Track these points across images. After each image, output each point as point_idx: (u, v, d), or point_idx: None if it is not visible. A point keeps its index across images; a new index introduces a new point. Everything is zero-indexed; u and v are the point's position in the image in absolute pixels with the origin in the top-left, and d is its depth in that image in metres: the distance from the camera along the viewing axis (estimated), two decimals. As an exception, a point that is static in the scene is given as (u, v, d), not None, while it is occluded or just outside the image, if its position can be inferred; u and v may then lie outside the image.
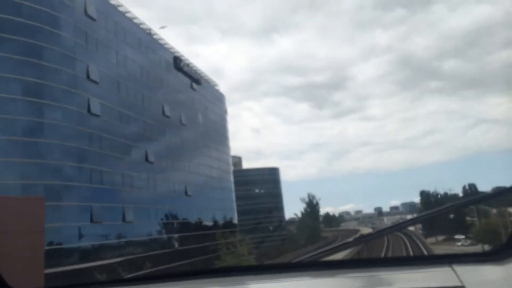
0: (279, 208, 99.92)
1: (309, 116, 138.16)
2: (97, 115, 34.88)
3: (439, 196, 62.89)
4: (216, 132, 60.49)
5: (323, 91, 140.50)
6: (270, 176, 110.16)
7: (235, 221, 61.40)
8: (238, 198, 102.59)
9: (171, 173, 45.98)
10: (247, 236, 69.90)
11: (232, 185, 65.28)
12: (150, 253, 36.50)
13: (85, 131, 33.63)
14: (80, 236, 32.01)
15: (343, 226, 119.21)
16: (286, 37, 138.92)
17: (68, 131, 32.08)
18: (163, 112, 46.49)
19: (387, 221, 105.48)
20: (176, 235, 43.38)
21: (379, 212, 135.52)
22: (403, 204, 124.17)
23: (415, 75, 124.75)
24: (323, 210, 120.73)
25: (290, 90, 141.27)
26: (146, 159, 41.45)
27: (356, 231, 73.20)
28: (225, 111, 66.29)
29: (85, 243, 32.48)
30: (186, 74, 52.42)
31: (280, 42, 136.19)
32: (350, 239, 2.32)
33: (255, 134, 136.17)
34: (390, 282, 1.51)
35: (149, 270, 30.73)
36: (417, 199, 77.27)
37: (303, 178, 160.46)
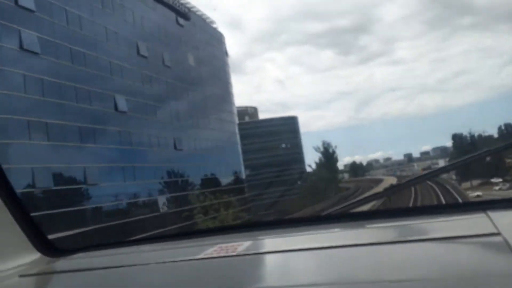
0: (299, 160, 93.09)
1: (334, 63, 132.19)
2: (36, 53, 27.57)
3: (472, 139, 57.61)
4: (213, 76, 52.19)
5: (348, 36, 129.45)
6: (288, 126, 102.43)
7: (242, 176, 54.35)
8: (253, 151, 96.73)
9: (153, 124, 38.80)
10: (264, 191, 65.04)
11: (237, 137, 58.27)
12: (112, 222, 30.01)
13: (34, 76, 26.92)
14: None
15: (370, 174, 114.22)
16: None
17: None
18: (138, 52, 38.76)
19: (417, 167, 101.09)
20: (152, 198, 36.82)
21: (409, 158, 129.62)
22: (434, 149, 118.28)
23: (446, 11, 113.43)
24: (349, 159, 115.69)
25: (313, 37, 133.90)
26: (116, 108, 34.41)
27: (380, 180, 68.45)
28: (225, 53, 57.49)
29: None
30: (168, 6, 43.87)
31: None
32: (380, 190, 2.18)
33: (279, 86, 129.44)
34: (421, 231, 1.47)
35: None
36: (449, 143, 72.61)
37: (331, 128, 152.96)
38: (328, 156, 59.19)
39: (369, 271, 1.16)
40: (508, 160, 45.41)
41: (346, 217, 1.84)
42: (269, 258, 1.45)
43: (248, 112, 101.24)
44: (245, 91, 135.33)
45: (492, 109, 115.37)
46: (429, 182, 40.25)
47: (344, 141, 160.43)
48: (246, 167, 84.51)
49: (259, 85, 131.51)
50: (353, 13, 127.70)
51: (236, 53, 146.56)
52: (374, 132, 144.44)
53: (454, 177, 54.42)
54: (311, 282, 1.14)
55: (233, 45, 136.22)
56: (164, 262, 1.49)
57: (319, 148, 61.32)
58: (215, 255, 1.45)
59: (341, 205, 2.03)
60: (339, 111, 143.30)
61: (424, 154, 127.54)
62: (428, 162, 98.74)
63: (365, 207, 1.93)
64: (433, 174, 3.00)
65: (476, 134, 58.00)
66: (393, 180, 60.52)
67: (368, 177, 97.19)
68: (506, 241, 1.12)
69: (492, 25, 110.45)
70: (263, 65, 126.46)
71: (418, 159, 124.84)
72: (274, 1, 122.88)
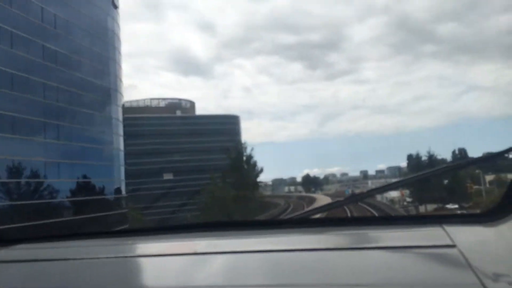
0: (237, 166, 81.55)
1: (302, 77, 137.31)
2: None
3: (427, 160, 57.45)
4: (85, 34, 37.97)
5: (317, 51, 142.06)
6: (228, 126, 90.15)
7: (120, 185, 40.35)
8: (183, 151, 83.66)
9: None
10: (151, 204, 52.43)
11: (116, 137, 41.14)
12: None
13: None
14: None
15: (325, 189, 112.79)
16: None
17: None
18: None
19: (371, 185, 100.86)
20: None
21: (364, 175, 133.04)
22: (389, 168, 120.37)
23: (411, 38, 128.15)
24: (309, 172, 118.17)
25: (284, 48, 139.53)
26: None
27: (313, 199, 62.91)
28: (113, 4, 42.65)
29: None
30: None
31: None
32: (341, 199, 2.23)
33: (246, 93, 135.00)
34: (378, 239, 1.50)
35: None
36: (403, 163, 75.83)
37: (294, 140, 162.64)
38: (239, 160, 46.39)
39: (323, 275, 1.17)
40: (468, 185, 46.06)
41: (306, 222, 1.86)
42: (225, 259, 1.44)
43: (182, 106, 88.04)
44: (211, 95, 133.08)
45: (447, 134, 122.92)
46: (363, 205, 37.20)
47: (305, 153, 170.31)
48: (145, 172, 72.29)
49: (226, 90, 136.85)
50: (323, 29, 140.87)
51: (205, 56, 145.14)
52: (334, 147, 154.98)
53: (408, 198, 55.20)
54: (262, 284, 1.16)
55: (203, 48, 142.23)
56: (110, 257, 1.49)
57: (227, 148, 48.32)
58: (171, 252, 1.48)
59: (302, 211, 2.09)
60: (303, 124, 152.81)
61: (379, 173, 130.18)
62: (382, 181, 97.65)
63: (324, 215, 1.95)
64: (386, 189, 2.33)
65: (430, 156, 57.29)
66: (326, 200, 56.46)
67: (301, 194, 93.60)
68: (461, 253, 1.17)
69: (452, 55, 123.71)
70: (232, 71, 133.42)
71: (373, 177, 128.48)
72: (247, 8, 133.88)
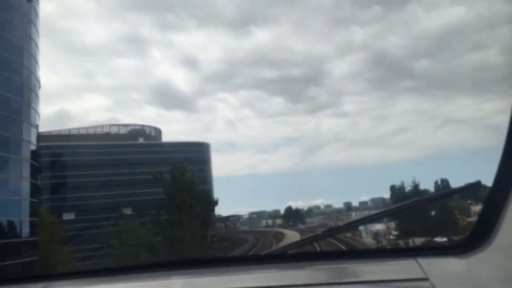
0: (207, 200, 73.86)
1: (284, 110, 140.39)
2: None
3: (410, 190, 55.11)
4: None
5: (298, 86, 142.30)
6: (197, 154, 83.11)
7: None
8: (142, 182, 73.98)
9: None
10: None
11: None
12: None
13: None
14: None
15: (308, 222, 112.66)
16: (263, 29, 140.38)
17: None
18: None
19: (354, 216, 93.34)
20: None
21: (348, 206, 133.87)
22: (372, 200, 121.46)
23: (388, 73, 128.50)
24: (292, 204, 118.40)
25: (266, 83, 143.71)
26: None
27: (281, 234, 61.58)
28: None
29: None
30: None
31: (257, 34, 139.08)
32: (318, 232, 2.26)
33: (229, 127, 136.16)
34: (356, 274, 1.55)
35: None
36: (386, 194, 74.74)
37: (277, 172, 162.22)
38: (183, 194, 38.12)
39: None
40: (460, 217, 46.42)
41: (285, 257, 1.88)
42: None
43: (146, 133, 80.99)
44: (195, 128, 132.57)
45: (426, 167, 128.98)
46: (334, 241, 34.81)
47: (289, 185, 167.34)
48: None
49: (210, 124, 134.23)
50: (304, 65, 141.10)
51: (188, 90, 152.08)
52: (317, 179, 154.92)
53: (394, 232, 52.15)
54: None
55: (186, 83, 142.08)
56: None
57: (157, 176, 39.84)
58: None
59: (280, 246, 2.16)
60: (286, 156, 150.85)
61: (363, 204, 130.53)
62: (366, 212, 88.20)
63: (303, 249, 2.00)
64: (367, 220, 2.27)
65: (415, 186, 54.95)
66: (295, 236, 56.39)
67: (268, 229, 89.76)
68: (433, 286, 1.23)
69: (429, 90, 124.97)
70: (215, 104, 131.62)
71: (357, 208, 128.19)
72: (230, 44, 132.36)
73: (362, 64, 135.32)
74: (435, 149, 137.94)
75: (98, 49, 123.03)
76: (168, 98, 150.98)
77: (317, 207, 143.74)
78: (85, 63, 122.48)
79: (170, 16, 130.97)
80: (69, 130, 74.32)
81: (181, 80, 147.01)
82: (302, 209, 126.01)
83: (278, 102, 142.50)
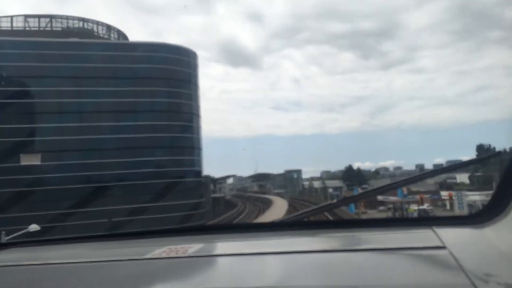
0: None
1: (353, 67, 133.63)
2: None
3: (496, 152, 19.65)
4: None
5: (370, 40, 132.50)
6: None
7: None
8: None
9: None
10: None
11: None
12: None
13: None
14: None
15: (375, 184, 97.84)
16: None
17: None
18: None
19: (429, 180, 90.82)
20: None
21: (420, 169, 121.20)
22: (448, 162, 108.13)
23: (474, 23, 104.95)
24: (360, 165, 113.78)
25: (334, 37, 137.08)
26: None
27: (269, 201, 62.58)
28: None
29: None
30: None
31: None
32: (334, 200, 2.66)
33: (295, 85, 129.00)
34: (370, 241, 1.56)
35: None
36: (464, 156, 67.87)
37: (344, 132, 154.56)
38: None
39: (318, 276, 1.20)
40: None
41: (300, 225, 1.89)
42: (219, 261, 1.47)
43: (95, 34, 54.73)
44: (260, 87, 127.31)
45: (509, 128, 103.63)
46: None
47: (356, 146, 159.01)
48: None
49: (275, 82, 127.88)
50: (377, 17, 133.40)
51: (253, 47, 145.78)
52: (387, 140, 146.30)
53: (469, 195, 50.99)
54: (259, 286, 1.17)
55: (252, 39, 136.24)
56: (105, 261, 1.49)
57: None
58: (163, 255, 1.47)
59: (295, 213, 2.10)
60: (354, 116, 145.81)
61: (437, 166, 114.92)
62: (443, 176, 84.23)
63: (318, 217, 1.96)
64: (390, 186, 2.15)
65: (497, 149, 34.47)
66: (282, 202, 57.65)
67: (258, 195, 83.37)
68: (451, 254, 1.21)
69: None
70: (281, 62, 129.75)
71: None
72: None
73: (444, 13, 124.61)
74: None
75: (167, 7, 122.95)
76: (234, 55, 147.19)
77: (386, 168, 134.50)
78: (154, 21, 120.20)
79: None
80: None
81: (247, 36, 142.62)
82: (368, 170, 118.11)
83: (347, 58, 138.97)
